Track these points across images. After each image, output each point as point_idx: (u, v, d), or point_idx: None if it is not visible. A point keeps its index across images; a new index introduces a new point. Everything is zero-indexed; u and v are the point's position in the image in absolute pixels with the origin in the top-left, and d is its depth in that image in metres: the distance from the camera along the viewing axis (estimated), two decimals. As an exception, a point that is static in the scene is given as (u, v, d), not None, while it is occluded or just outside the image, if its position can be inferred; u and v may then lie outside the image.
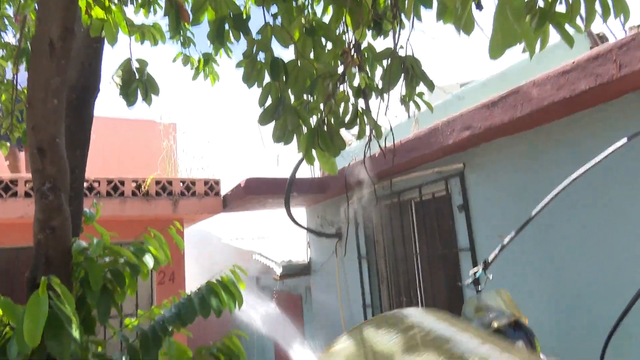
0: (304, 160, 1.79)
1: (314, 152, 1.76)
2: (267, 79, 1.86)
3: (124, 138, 6.71)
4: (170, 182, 5.10)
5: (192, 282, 8.64)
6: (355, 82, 2.01)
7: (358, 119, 1.95)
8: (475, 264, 3.27)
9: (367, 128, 1.91)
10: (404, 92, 1.97)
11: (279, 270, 6.19)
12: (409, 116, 3.20)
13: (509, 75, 3.57)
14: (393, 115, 4.36)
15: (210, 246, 9.32)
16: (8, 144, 3.86)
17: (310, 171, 5.78)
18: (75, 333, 1.50)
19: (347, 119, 1.98)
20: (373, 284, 4.70)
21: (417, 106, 2.03)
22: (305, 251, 6.43)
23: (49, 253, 1.68)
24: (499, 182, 3.18)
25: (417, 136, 3.44)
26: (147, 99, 2.04)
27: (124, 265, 1.88)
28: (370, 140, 2.45)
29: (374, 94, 2.00)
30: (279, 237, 10.31)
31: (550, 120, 2.74)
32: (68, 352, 1.50)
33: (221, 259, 8.23)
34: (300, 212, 6.40)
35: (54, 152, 1.57)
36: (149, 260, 1.89)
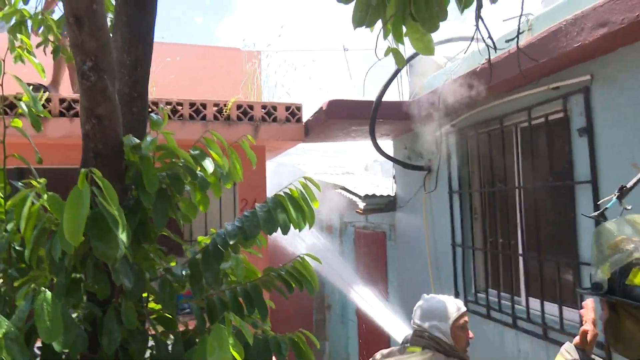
0: (389, 36, 1.40)
1: (404, 28, 1.35)
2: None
3: (208, 65, 6.61)
4: (251, 107, 4.92)
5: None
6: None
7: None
8: (597, 199, 2.71)
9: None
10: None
11: (362, 205, 5.93)
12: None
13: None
14: (501, 22, 3.70)
15: (295, 180, 9.24)
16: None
17: (399, 93, 5.28)
18: (122, 235, 1.31)
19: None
20: (465, 221, 4.26)
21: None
22: (391, 186, 6.08)
23: (98, 147, 1.49)
24: (637, 97, 2.53)
25: (531, 42, 2.83)
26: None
27: (183, 170, 1.67)
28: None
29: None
30: (366, 173, 10.04)
31: None
32: (115, 255, 1.32)
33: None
34: (387, 145, 5.99)
35: (92, 21, 1.32)
36: (208, 165, 1.65)
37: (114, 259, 1.32)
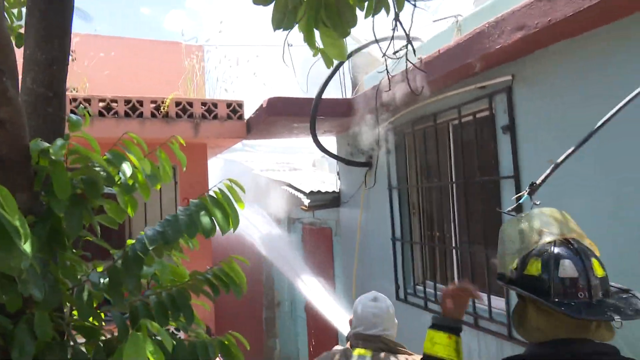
0: (306, 42, 1.41)
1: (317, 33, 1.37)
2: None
3: (146, 59, 6.41)
4: (190, 104, 4.82)
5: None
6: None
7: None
8: (518, 193, 2.86)
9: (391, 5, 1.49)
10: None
11: (306, 201, 5.96)
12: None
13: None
14: (431, 21, 3.82)
15: (242, 177, 9.17)
16: None
17: (341, 91, 5.34)
18: (26, 245, 1.25)
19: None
20: (404, 216, 4.38)
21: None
22: (335, 182, 6.14)
23: (2, 152, 1.41)
24: (554, 96, 2.69)
25: (458, 42, 2.94)
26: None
27: (100, 175, 1.61)
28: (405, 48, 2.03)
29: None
30: (313, 169, 10.07)
31: (631, 12, 2.19)
32: (18, 266, 1.26)
33: (251, 189, 8.11)
34: (330, 141, 6.04)
35: (-15, 22, 1.25)
36: (125, 169, 1.60)
37: (18, 269, 1.26)
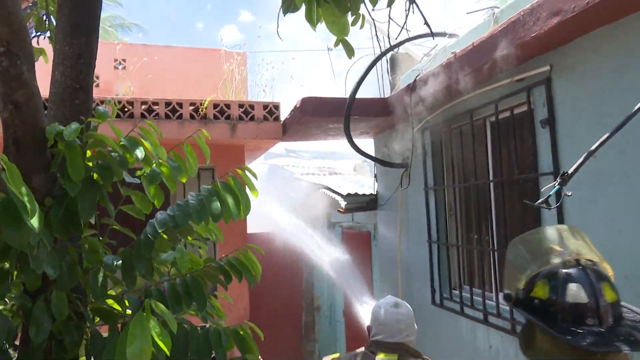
0: (307, 19, 1.38)
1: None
2: None
3: (188, 65, 6.62)
4: (228, 106, 4.91)
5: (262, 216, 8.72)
6: None
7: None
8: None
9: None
10: None
11: (343, 203, 5.91)
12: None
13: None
14: (466, 14, 3.69)
15: (283, 181, 9.28)
16: None
17: (380, 92, 5.27)
18: (33, 220, 1.29)
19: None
20: (440, 218, 4.24)
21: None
22: (373, 185, 6.05)
23: (17, 134, 1.47)
24: (595, 87, 2.51)
25: (492, 33, 2.82)
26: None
27: (112, 158, 1.64)
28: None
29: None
30: (353, 174, 10.02)
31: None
32: (26, 241, 1.30)
33: (291, 193, 8.15)
34: (368, 143, 5.97)
35: (2, 6, 1.31)
36: (138, 153, 1.62)
37: (25, 245, 1.30)
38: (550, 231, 1.38)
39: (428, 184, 4.37)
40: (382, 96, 5.30)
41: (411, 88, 3.90)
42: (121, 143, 1.66)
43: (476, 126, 3.69)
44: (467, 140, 3.80)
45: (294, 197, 7.95)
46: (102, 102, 4.34)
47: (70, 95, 1.88)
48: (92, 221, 1.88)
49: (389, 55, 5.41)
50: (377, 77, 5.48)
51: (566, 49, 2.65)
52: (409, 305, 2.22)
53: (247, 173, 1.82)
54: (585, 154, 1.78)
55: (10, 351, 1.61)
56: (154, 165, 1.72)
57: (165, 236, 1.81)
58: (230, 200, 1.73)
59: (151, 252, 1.65)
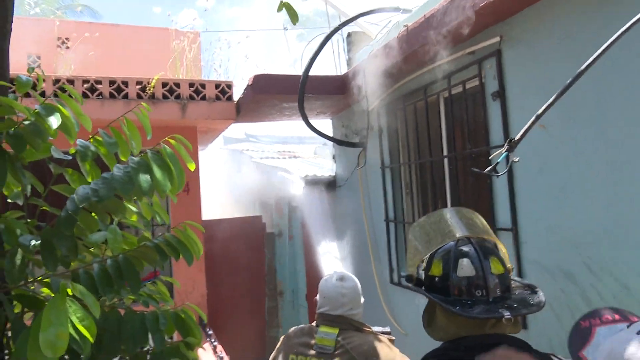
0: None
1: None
2: None
3: (138, 46, 6.30)
4: (177, 84, 4.69)
5: (221, 198, 8.51)
6: None
7: None
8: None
9: None
10: None
11: (302, 186, 5.82)
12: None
13: None
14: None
15: (241, 165, 9.11)
16: None
17: (336, 70, 5.17)
18: None
19: None
20: (397, 196, 4.21)
21: None
22: (332, 167, 5.99)
23: None
24: (543, 58, 2.50)
25: (443, 4, 2.76)
26: None
27: (25, 127, 1.48)
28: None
29: None
30: (313, 157, 9.93)
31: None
32: None
33: (250, 176, 8.00)
34: (327, 124, 5.88)
35: None
36: (53, 120, 1.47)
37: None
38: (447, 213, 1.48)
39: (384, 163, 4.33)
40: (338, 73, 5.20)
41: (364, 64, 3.82)
42: (36, 110, 1.50)
43: (430, 102, 3.66)
44: (422, 116, 3.76)
45: (254, 181, 7.81)
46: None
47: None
48: (20, 202, 1.73)
49: (345, 34, 5.32)
50: (334, 57, 5.39)
51: (515, 19, 2.63)
52: (356, 280, 2.18)
53: (179, 142, 1.69)
54: (533, 118, 1.74)
55: None
56: (75, 137, 1.57)
57: (94, 215, 1.67)
58: (158, 173, 1.60)
59: (73, 230, 1.50)
